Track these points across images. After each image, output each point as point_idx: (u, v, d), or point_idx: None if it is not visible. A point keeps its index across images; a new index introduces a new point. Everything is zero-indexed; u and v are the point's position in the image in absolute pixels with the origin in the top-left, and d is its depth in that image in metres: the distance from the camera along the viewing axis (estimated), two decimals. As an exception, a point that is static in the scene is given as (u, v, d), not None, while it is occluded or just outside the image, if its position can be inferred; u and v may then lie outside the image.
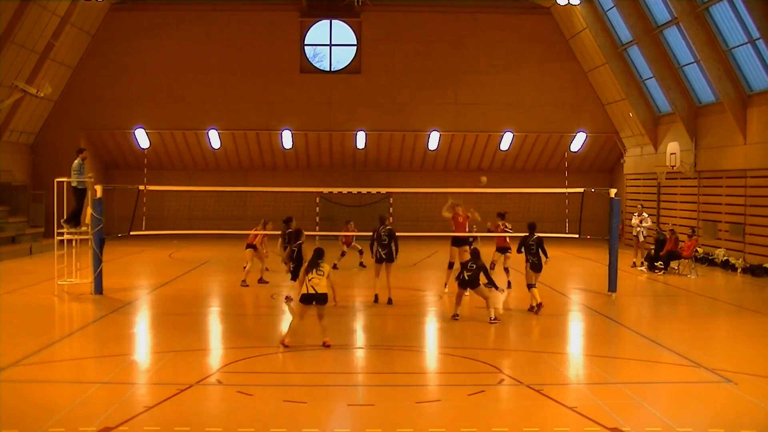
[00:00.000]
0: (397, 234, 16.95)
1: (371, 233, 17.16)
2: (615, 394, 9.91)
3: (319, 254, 12.46)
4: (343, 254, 22.86)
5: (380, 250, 16.66)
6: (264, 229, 19.77)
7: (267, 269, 20.19)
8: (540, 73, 33.06)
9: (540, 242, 16.01)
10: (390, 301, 16.60)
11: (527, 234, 16.21)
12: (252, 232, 19.83)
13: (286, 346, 12.16)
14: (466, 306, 16.72)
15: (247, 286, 19.01)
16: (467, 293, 15.43)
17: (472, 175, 34.61)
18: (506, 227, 19.34)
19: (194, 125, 32.80)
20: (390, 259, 16.67)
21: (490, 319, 14.59)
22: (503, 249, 19.29)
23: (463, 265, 15.16)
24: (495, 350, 12.94)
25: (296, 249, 15.59)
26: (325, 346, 12.23)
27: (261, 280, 19.57)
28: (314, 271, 12.27)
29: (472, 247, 16.76)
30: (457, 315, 14.91)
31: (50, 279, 18.45)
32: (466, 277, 14.79)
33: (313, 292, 12.19)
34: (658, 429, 8.55)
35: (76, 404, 9.26)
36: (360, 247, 22.71)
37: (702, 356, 11.95)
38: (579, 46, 32.24)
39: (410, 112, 32.94)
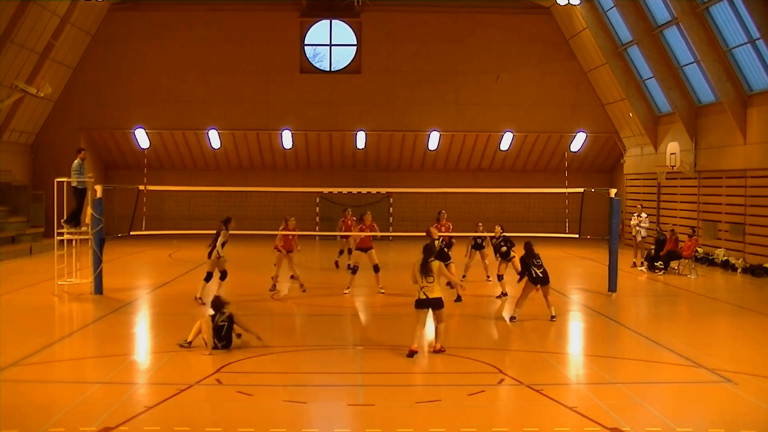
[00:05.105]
0: (400, 234, 17.43)
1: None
2: (615, 394, 9.92)
3: (429, 251, 11.92)
4: (348, 252, 21.49)
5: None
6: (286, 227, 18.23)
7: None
8: (540, 73, 33.06)
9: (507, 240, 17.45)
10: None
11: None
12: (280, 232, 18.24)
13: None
14: (465, 305, 16.71)
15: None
16: (537, 289, 14.67)
17: (472, 175, 34.79)
18: (374, 227, 18.65)
19: (194, 125, 32.79)
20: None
21: (552, 317, 14.65)
22: (366, 249, 18.21)
23: (528, 262, 14.56)
24: (495, 350, 12.94)
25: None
26: (439, 351, 11.97)
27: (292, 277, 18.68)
28: (424, 278, 11.78)
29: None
30: (515, 317, 14.63)
31: (50, 279, 18.44)
32: (540, 274, 14.46)
33: (425, 297, 11.83)
34: (658, 429, 8.55)
35: (76, 404, 9.27)
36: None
37: (702, 356, 11.95)
38: (579, 46, 32.23)
39: (410, 112, 32.93)
